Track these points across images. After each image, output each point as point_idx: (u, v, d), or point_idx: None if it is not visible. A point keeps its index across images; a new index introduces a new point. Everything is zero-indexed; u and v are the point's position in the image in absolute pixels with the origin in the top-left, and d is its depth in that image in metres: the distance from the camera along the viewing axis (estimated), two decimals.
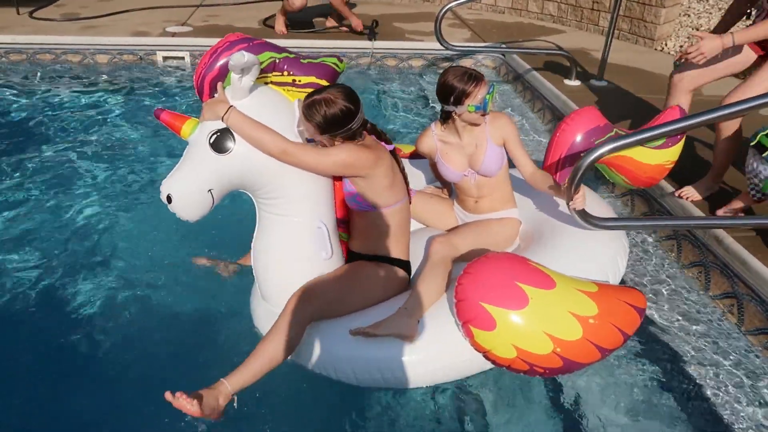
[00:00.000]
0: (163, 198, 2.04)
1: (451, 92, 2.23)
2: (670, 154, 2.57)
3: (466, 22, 6.79)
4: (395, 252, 2.23)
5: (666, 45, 6.11)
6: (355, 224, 2.26)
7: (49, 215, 3.22)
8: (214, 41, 2.29)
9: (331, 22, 6.09)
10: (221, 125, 2.00)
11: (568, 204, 2.23)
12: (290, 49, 2.26)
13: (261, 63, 2.04)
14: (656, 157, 2.53)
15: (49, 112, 4.45)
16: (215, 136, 2.00)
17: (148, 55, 5.43)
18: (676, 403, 2.20)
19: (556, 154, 2.52)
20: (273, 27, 5.88)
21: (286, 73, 2.16)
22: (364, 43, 5.74)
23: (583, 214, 2.21)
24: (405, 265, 2.27)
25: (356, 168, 2.06)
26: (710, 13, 6.80)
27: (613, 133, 2.56)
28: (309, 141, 2.11)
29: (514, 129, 2.37)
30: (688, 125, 2.20)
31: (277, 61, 2.15)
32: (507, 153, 2.39)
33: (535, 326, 1.83)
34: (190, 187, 2.02)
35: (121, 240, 3.01)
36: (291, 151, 1.98)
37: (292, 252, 2.14)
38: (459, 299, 1.89)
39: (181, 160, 2.08)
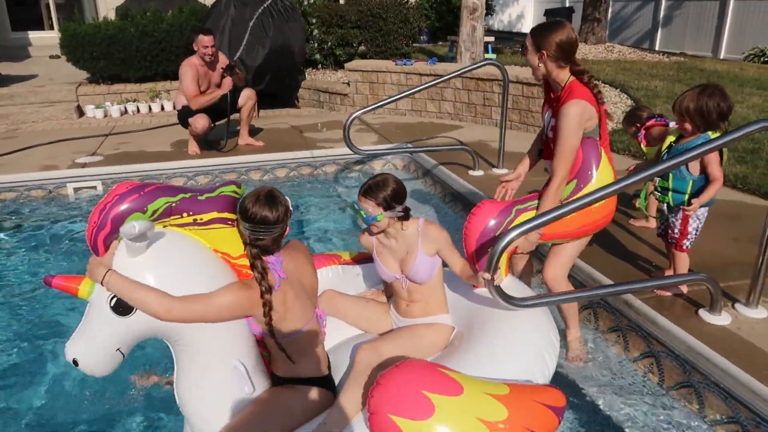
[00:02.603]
0: (69, 360, 1.98)
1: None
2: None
3: (371, 126, 7.19)
4: (309, 371, 2.21)
5: None
6: (268, 348, 2.24)
7: None
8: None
9: (243, 139, 6.28)
10: None
11: (487, 286, 2.35)
12: (186, 187, 2.21)
13: (157, 210, 2.03)
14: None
15: None
16: (115, 299, 1.95)
17: (57, 189, 5.35)
18: None
19: (471, 244, 2.68)
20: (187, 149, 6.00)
21: (185, 214, 2.09)
22: (278, 155, 5.93)
23: (501, 293, 2.34)
24: (323, 381, 2.25)
25: (244, 308, 2.04)
26: None
27: (512, 215, 2.68)
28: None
29: (445, 237, 2.40)
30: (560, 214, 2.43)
31: (174, 204, 2.07)
32: (441, 258, 2.43)
33: None
34: (95, 350, 1.97)
35: (43, 386, 2.84)
36: (177, 307, 1.93)
37: (214, 391, 2.10)
38: (370, 412, 1.84)
39: (83, 321, 2.01)
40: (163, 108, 8.39)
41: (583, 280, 3.30)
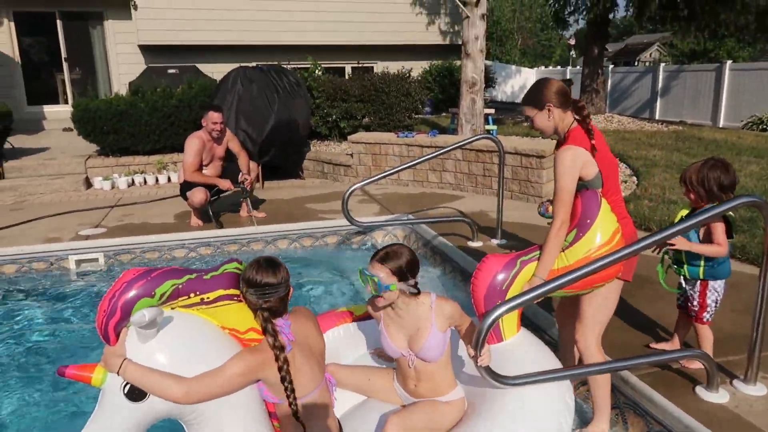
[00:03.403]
0: None
1: None
2: (593, 238, 2.56)
3: (374, 197, 7.29)
4: None
5: None
6: (279, 418, 2.25)
7: None
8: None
9: (244, 211, 6.37)
10: None
11: (474, 362, 2.32)
12: (191, 269, 2.28)
13: (164, 293, 2.11)
14: (578, 253, 2.57)
15: None
16: (128, 386, 2.01)
17: (59, 261, 5.40)
18: None
19: (479, 300, 2.61)
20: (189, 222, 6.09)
21: (192, 294, 2.17)
22: (279, 227, 6.00)
23: (489, 371, 2.31)
24: None
25: (255, 372, 2.11)
26: None
27: (517, 266, 2.64)
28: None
29: (458, 309, 2.37)
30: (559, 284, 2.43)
31: (180, 286, 2.15)
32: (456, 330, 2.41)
33: None
34: None
35: None
36: (193, 389, 2.01)
37: None
38: None
39: (96, 410, 2.06)
40: (169, 179, 8.58)
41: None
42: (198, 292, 2.18)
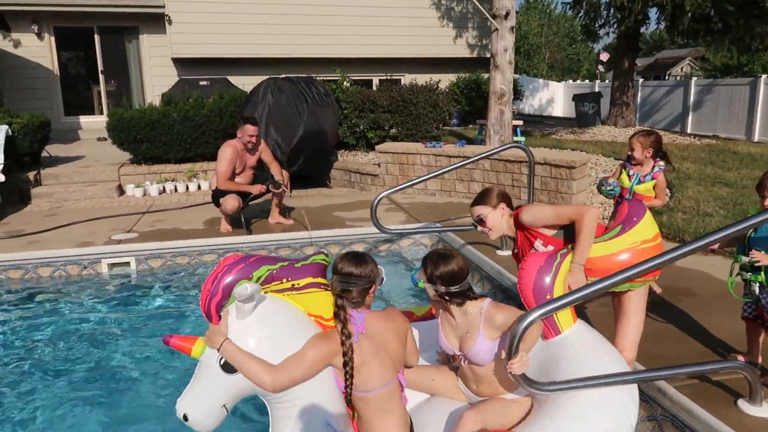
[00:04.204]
0: (180, 416, 2.22)
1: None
2: (639, 234, 2.66)
3: (401, 205, 7.28)
4: None
5: None
6: (356, 407, 2.37)
7: None
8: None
9: (273, 218, 6.41)
10: None
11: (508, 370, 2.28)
12: (282, 257, 2.50)
13: (260, 277, 2.32)
14: (622, 243, 2.64)
15: None
16: (224, 359, 2.20)
17: (92, 264, 5.49)
18: None
19: (529, 300, 2.59)
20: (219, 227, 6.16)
21: (284, 280, 2.36)
22: (308, 234, 6.02)
23: (524, 378, 2.26)
24: None
25: (326, 358, 2.26)
26: None
27: (558, 259, 2.65)
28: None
29: (512, 319, 2.29)
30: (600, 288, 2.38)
31: (274, 272, 2.35)
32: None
33: None
34: (205, 406, 2.21)
35: None
36: (280, 377, 2.18)
37: None
38: None
39: (194, 380, 2.28)
40: (199, 187, 8.69)
41: None
42: (289, 278, 2.37)
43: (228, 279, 2.29)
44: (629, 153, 4.00)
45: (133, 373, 3.64)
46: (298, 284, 2.38)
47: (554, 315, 2.55)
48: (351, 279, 2.29)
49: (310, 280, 2.40)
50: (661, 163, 3.95)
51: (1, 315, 4.61)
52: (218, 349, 2.19)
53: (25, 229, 6.42)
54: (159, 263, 5.57)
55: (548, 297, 2.56)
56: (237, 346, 2.19)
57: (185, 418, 2.20)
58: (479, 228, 2.94)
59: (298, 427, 2.26)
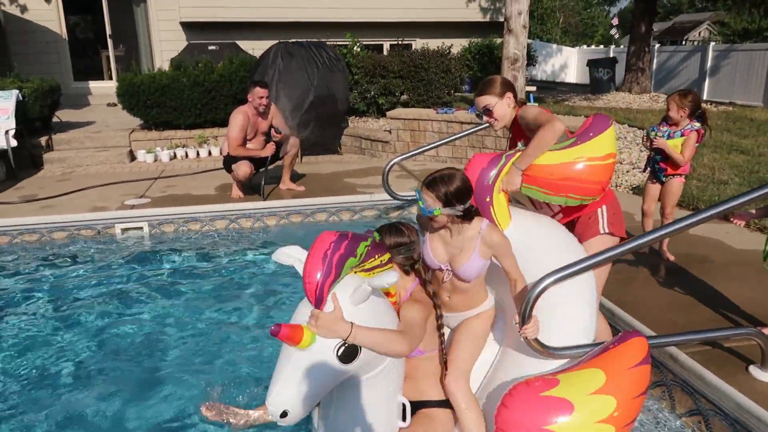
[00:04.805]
0: (276, 414, 2.00)
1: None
2: (588, 150, 2.56)
3: (412, 172, 7.25)
4: (438, 394, 2.38)
5: None
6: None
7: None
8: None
9: (284, 184, 6.41)
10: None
11: (523, 336, 2.28)
12: (363, 234, 2.33)
13: (361, 254, 2.17)
14: (567, 156, 2.57)
15: (4, 294, 4.40)
16: (343, 348, 2.03)
17: (106, 229, 5.54)
18: None
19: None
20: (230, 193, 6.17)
21: (376, 257, 2.26)
22: (318, 200, 6.02)
23: (538, 343, 2.27)
24: (448, 403, 2.38)
25: (426, 316, 2.32)
26: (629, 148, 7.47)
27: (503, 161, 2.64)
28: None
29: (506, 246, 2.33)
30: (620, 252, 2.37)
31: (369, 248, 2.22)
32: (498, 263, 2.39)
33: None
34: (310, 400, 2.03)
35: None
36: (409, 344, 2.18)
37: (374, 425, 2.23)
38: None
39: (291, 372, 2.01)
40: (210, 153, 8.68)
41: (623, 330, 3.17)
42: (378, 255, 2.27)
43: (339, 255, 2.07)
44: (667, 113, 3.96)
45: (145, 335, 3.70)
46: (383, 260, 2.29)
47: (493, 213, 2.57)
48: (412, 245, 2.38)
49: (387, 256, 2.33)
50: (697, 123, 3.90)
51: (14, 279, 4.67)
52: (346, 338, 2.02)
53: (38, 194, 6.47)
54: (171, 228, 5.61)
55: (487, 199, 2.55)
56: (364, 327, 2.07)
57: (284, 414, 1.99)
58: (485, 118, 2.91)
59: (375, 405, 2.23)
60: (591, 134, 2.60)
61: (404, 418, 2.30)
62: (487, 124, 2.98)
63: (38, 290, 4.43)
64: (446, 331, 2.55)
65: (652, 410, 2.84)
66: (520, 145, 2.74)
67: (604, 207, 2.77)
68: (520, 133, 2.86)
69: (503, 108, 2.84)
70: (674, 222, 2.36)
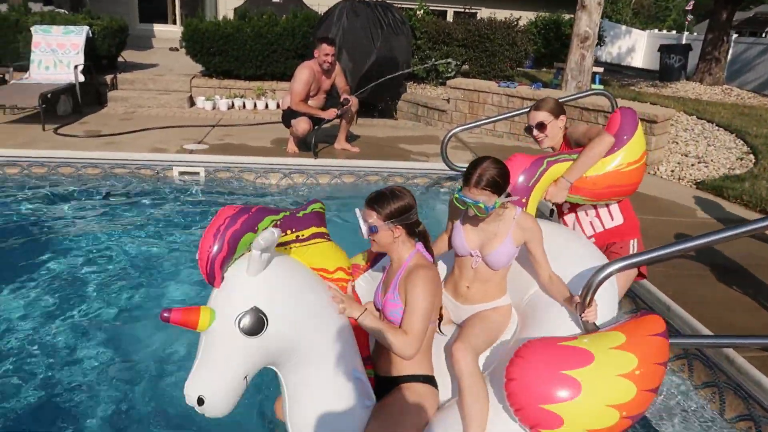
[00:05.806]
0: (192, 401, 1.86)
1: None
2: (626, 155, 2.74)
3: (467, 144, 7.15)
4: (426, 368, 2.21)
5: (658, 170, 6.41)
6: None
7: (62, 327, 3.23)
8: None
9: (339, 144, 6.41)
10: (244, 308, 1.88)
11: (580, 317, 2.24)
12: (281, 208, 2.19)
13: (264, 230, 1.94)
14: (608, 164, 2.74)
15: (64, 222, 4.58)
16: (243, 318, 1.87)
17: (164, 170, 5.67)
18: None
19: None
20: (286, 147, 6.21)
21: (288, 231, 2.10)
22: (372, 162, 6.01)
23: (594, 328, 2.23)
24: (433, 380, 2.24)
25: (440, 291, 2.23)
26: (696, 141, 7.18)
27: (544, 166, 2.74)
28: (372, 231, 2.15)
29: (539, 232, 2.31)
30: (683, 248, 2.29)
31: (278, 223, 2.06)
32: (527, 251, 2.35)
33: (597, 405, 1.90)
34: (224, 383, 1.87)
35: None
36: (413, 341, 2.08)
37: (337, 410, 2.06)
38: (516, 408, 1.92)
39: (203, 355, 1.91)
40: (267, 106, 8.73)
41: (678, 327, 3.10)
42: (294, 229, 2.12)
43: (233, 230, 1.90)
44: None
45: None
46: (303, 235, 2.13)
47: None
48: (412, 210, 2.18)
49: (314, 230, 2.17)
50: None
51: (74, 209, 4.86)
52: (357, 317, 2.10)
53: (102, 130, 6.65)
54: (227, 176, 5.70)
55: (524, 200, 2.64)
56: (375, 318, 2.11)
57: (200, 401, 1.84)
58: (535, 132, 3.00)
59: (326, 385, 2.06)
60: (625, 137, 2.74)
61: (370, 396, 2.13)
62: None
63: (96, 220, 4.61)
64: (451, 328, 2.47)
65: (700, 412, 2.78)
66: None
67: (635, 240, 2.97)
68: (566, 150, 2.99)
69: (556, 128, 2.98)
70: (741, 225, 2.27)
